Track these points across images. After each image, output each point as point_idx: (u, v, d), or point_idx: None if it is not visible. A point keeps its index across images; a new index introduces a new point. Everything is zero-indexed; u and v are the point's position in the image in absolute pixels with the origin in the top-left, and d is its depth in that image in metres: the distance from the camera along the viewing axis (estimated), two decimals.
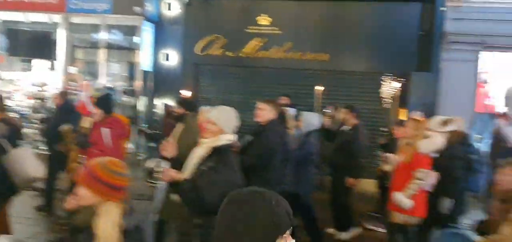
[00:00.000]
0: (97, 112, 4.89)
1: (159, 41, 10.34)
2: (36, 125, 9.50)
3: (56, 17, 10.21)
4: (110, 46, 10.32)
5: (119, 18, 10.05)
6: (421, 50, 9.05)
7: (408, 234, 4.79)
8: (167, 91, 9.80)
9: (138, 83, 10.12)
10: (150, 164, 3.23)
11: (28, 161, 4.18)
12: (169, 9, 10.26)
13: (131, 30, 10.18)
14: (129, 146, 9.01)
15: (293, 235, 1.39)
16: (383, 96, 9.25)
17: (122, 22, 10.22)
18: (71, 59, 10.39)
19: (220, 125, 3.25)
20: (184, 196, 3.16)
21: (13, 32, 10.73)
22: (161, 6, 10.32)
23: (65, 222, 4.92)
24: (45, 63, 10.51)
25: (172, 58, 10.26)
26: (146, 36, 10.09)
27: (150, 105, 10.25)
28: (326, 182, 6.04)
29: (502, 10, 8.40)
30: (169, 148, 3.33)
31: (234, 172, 3.26)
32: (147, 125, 9.78)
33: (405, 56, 9.05)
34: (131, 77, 10.40)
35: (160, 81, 10.17)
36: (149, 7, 10.03)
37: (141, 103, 10.18)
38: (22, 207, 5.58)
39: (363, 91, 9.36)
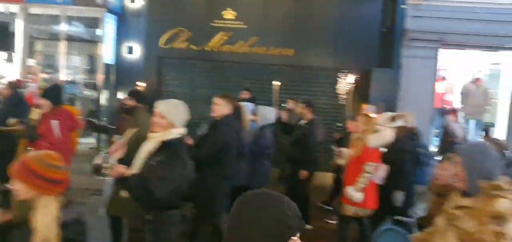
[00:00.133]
0: (45, 104, 4.74)
1: (122, 34, 10.15)
2: None
3: (14, 7, 9.84)
4: (70, 39, 10.05)
5: (80, 10, 9.79)
6: (383, 47, 9.21)
7: (361, 226, 4.90)
8: (130, 85, 9.61)
9: (100, 77, 9.90)
10: (97, 159, 3.10)
11: None
12: (132, 1, 10.08)
13: (92, 22, 9.94)
14: (91, 139, 8.84)
15: None
16: (338, 92, 9.38)
17: (83, 14, 9.96)
18: (29, 51, 10.06)
19: (170, 119, 3.18)
20: (133, 192, 3.10)
21: None
22: None
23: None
24: (2, 55, 10.13)
25: (135, 51, 10.08)
26: (108, 28, 9.87)
27: (112, 99, 10.04)
28: (283, 175, 6.07)
29: (460, 9, 8.60)
30: (119, 149, 3.20)
31: (185, 166, 3.21)
32: (106, 119, 9.59)
33: (367, 53, 9.21)
34: (92, 70, 10.15)
35: (122, 75, 9.98)
36: None
37: (103, 97, 9.96)
38: None
39: (326, 86, 9.46)
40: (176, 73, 10.12)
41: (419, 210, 4.79)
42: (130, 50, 10.08)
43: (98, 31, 9.84)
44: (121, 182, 3.15)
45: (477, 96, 9.05)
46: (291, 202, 1.40)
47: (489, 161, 2.47)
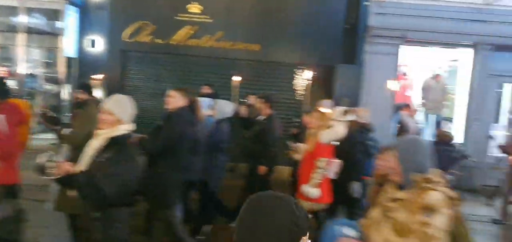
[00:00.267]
0: None
1: (84, 27, 9.92)
2: None
3: None
4: (30, 31, 9.73)
5: (40, 1, 9.51)
6: (347, 43, 9.32)
7: (318, 219, 4.95)
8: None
9: (61, 70, 9.64)
10: (41, 158, 2.94)
11: None
12: None
13: (54, 14, 9.68)
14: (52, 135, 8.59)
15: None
16: (298, 87, 9.46)
17: (43, 6, 9.69)
18: None
19: (117, 115, 3.12)
20: (81, 190, 3.01)
21: None
22: None
23: None
24: None
25: (98, 44, 9.87)
26: (70, 21, 9.64)
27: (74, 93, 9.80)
28: (241, 169, 6.06)
29: (422, 6, 8.81)
30: (63, 168, 2.98)
31: (133, 163, 3.17)
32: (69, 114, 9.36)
33: (331, 49, 9.30)
34: (53, 64, 9.88)
35: (85, 69, 9.74)
36: None
37: (65, 92, 9.71)
38: None
39: (290, 82, 9.51)
40: (140, 67, 9.94)
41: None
42: (93, 44, 9.86)
43: (59, 24, 9.57)
44: (68, 180, 3.06)
45: (437, 92, 9.30)
46: (298, 202, 1.43)
47: (421, 155, 2.54)
